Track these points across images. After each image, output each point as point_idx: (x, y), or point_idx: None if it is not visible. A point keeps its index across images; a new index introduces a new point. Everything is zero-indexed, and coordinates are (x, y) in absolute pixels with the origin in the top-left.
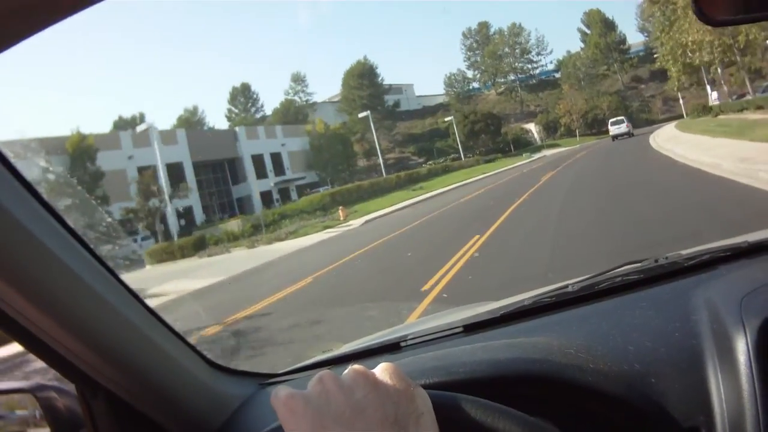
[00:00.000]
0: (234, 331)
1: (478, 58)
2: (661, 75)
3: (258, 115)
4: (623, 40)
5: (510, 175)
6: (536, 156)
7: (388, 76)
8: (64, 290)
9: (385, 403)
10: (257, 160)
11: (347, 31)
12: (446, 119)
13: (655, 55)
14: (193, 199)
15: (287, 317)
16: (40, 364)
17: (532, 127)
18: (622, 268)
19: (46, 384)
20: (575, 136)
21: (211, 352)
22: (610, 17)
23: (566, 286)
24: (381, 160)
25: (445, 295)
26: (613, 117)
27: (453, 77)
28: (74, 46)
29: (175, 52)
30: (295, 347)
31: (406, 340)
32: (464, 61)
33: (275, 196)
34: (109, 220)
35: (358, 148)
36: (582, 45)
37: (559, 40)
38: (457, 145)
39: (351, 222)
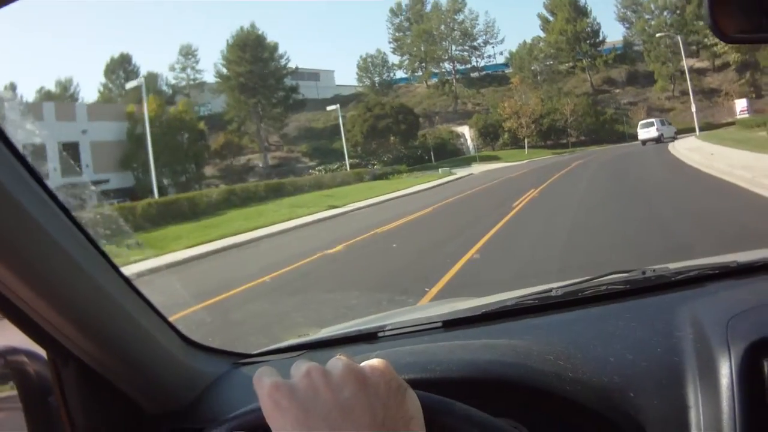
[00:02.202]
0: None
1: (409, 40)
2: (644, 78)
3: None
4: (597, 31)
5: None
6: (458, 174)
7: (306, 59)
8: (38, 254)
9: (374, 404)
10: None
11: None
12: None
13: (639, 49)
14: None
15: None
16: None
17: (466, 131)
18: (609, 277)
19: (18, 347)
20: (523, 146)
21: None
22: (582, 1)
23: (550, 290)
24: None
25: None
26: (577, 124)
27: (370, 60)
28: None
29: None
30: None
31: (383, 331)
32: (389, 42)
33: None
34: None
35: (226, 142)
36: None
37: (515, 29)
38: (350, 148)
39: None
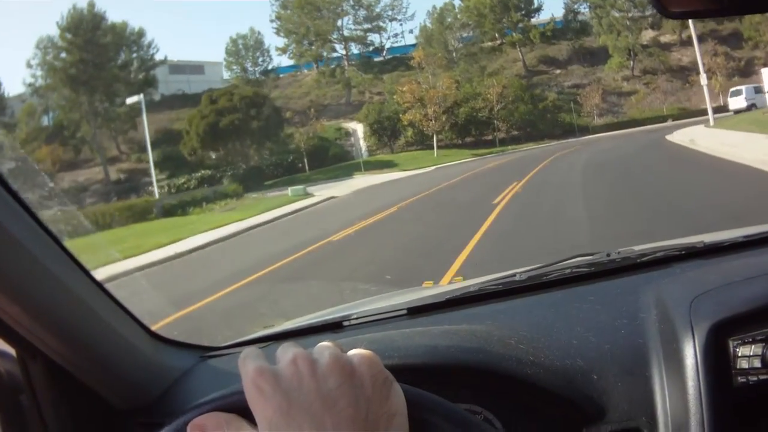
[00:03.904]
0: None
1: (297, 17)
2: (592, 55)
3: None
4: (530, 2)
5: None
6: (315, 198)
7: (194, 51)
8: (2, 253)
9: (358, 397)
10: None
11: None
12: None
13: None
14: None
15: None
16: None
17: (359, 128)
18: (573, 260)
19: None
20: (432, 145)
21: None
22: None
23: (514, 275)
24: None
25: None
26: (507, 114)
27: (241, 42)
28: None
29: None
30: None
31: (349, 320)
32: (271, 21)
33: None
34: None
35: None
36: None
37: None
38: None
39: None
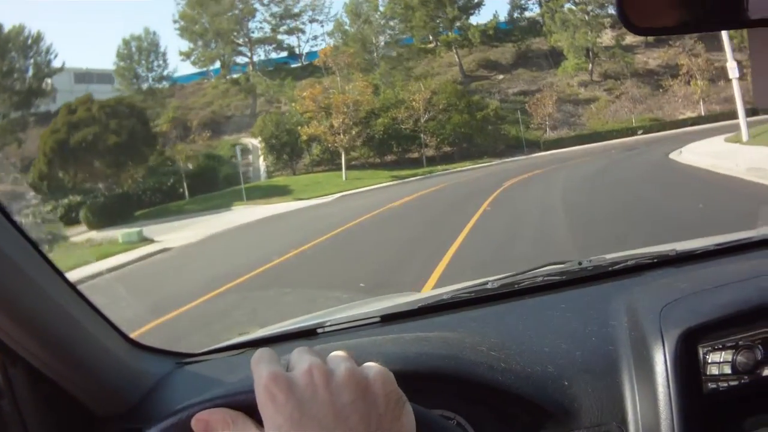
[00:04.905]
0: None
1: (206, 23)
2: (543, 58)
3: None
4: None
5: None
6: (133, 254)
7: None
8: None
9: (370, 414)
10: None
11: None
12: None
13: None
14: None
15: None
16: None
17: (259, 143)
18: (545, 268)
19: None
20: (340, 165)
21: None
22: None
23: (486, 283)
24: None
25: None
26: (437, 127)
27: (136, 44)
28: None
29: None
30: None
31: (323, 327)
32: (174, 22)
33: None
34: None
35: None
36: None
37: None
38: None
39: None
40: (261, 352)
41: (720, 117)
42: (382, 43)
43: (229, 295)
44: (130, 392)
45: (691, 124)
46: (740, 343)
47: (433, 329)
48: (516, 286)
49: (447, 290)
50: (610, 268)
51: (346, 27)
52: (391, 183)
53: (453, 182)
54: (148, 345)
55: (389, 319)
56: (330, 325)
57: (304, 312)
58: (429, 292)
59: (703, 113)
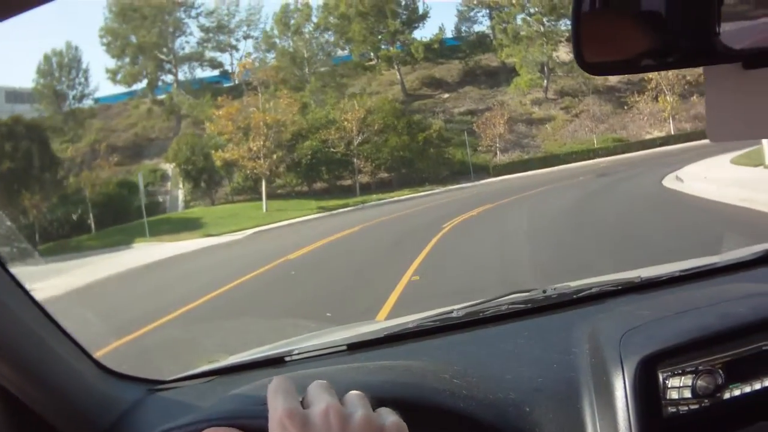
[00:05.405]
0: None
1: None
2: (492, 76)
3: None
4: (413, 9)
5: None
6: None
7: None
8: None
9: None
10: None
11: None
12: None
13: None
14: None
15: None
16: None
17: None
18: (510, 297)
19: None
20: (271, 194)
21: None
22: None
23: (451, 311)
24: None
25: None
26: (373, 150)
27: (57, 59)
28: None
29: None
30: None
31: (291, 355)
32: (100, 37)
33: None
34: None
35: None
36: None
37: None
38: None
39: None
40: (279, 382)
41: (692, 136)
42: (320, 57)
43: None
44: (102, 417)
45: (660, 145)
46: (700, 368)
47: (398, 357)
48: (481, 314)
49: (413, 318)
50: (574, 296)
51: (276, 39)
52: (317, 215)
53: (383, 219)
54: (118, 371)
55: (356, 347)
56: (297, 354)
57: None
58: (395, 320)
59: (672, 132)
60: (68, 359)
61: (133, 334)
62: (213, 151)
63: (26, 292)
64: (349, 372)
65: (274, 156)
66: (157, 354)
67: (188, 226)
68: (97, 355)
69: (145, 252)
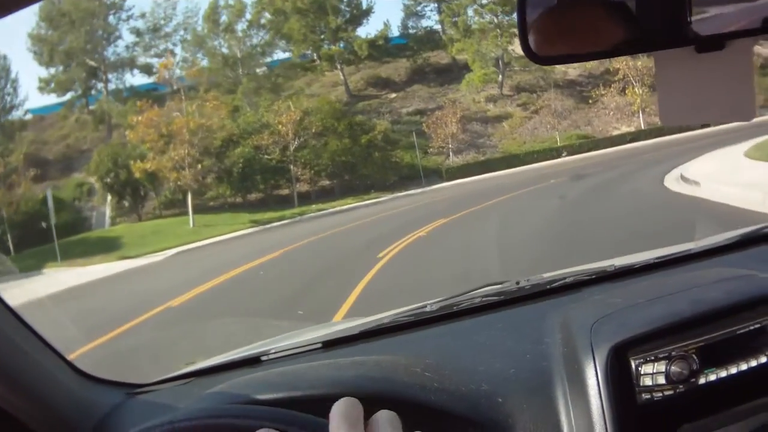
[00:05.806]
0: None
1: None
2: (442, 73)
3: None
4: (356, 4)
5: None
6: None
7: None
8: None
9: None
10: None
11: None
12: None
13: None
14: None
15: None
16: None
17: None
18: (483, 290)
19: None
20: (198, 208)
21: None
22: None
23: (425, 306)
24: None
25: None
26: (312, 156)
27: None
28: None
29: None
30: None
31: (267, 355)
32: (31, 45)
33: None
34: None
35: None
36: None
37: None
38: None
39: None
40: (345, 408)
41: (666, 131)
42: (256, 57)
43: None
44: (81, 422)
45: (630, 141)
46: (673, 353)
47: (372, 353)
48: (454, 308)
49: (387, 315)
50: (548, 287)
51: (206, 39)
52: (248, 230)
53: (311, 239)
54: (97, 375)
55: (331, 344)
56: (274, 353)
57: None
58: (371, 317)
59: (643, 127)
60: (45, 365)
61: None
62: (132, 162)
63: (1, 301)
64: (321, 368)
65: (200, 165)
66: None
67: (106, 246)
68: None
69: (53, 279)
